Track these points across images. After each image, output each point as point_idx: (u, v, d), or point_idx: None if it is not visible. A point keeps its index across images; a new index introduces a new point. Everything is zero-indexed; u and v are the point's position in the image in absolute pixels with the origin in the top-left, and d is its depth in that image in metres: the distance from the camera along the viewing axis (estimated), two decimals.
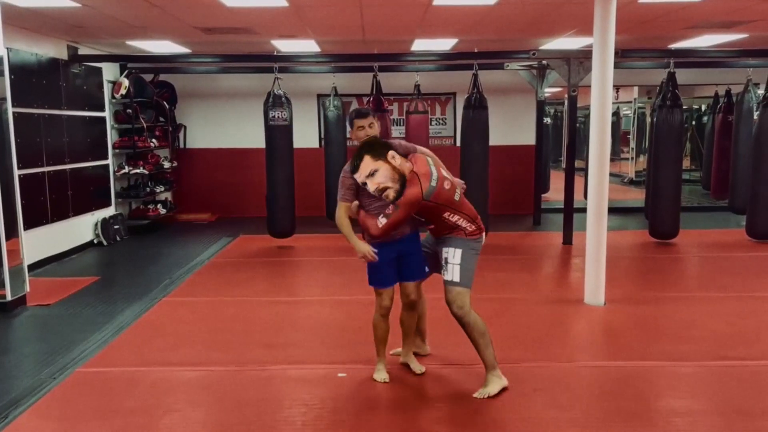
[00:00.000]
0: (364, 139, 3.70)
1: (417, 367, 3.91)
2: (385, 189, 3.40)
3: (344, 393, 3.66)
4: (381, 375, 3.79)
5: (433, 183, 3.39)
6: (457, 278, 3.56)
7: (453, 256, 3.55)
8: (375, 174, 3.38)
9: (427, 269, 3.79)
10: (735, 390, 3.63)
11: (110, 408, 3.47)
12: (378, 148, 3.45)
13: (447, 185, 3.45)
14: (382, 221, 3.47)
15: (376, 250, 3.62)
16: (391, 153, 3.42)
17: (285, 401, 3.61)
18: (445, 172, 3.52)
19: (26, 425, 3.31)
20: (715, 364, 3.98)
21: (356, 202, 3.66)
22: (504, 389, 3.57)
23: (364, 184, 3.44)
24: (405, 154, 3.56)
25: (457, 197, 3.51)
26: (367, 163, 3.39)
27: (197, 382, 3.83)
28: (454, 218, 3.52)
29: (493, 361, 3.60)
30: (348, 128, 3.89)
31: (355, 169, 3.45)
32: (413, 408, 3.44)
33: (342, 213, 3.66)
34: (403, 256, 3.70)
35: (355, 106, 9.98)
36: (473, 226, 3.57)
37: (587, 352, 4.39)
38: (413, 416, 3.35)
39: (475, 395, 3.54)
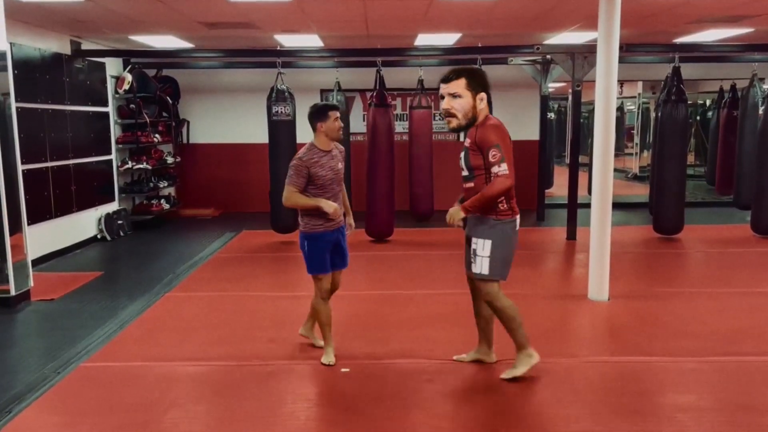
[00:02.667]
0: (339, 133, 3.85)
1: (319, 342, 4.13)
2: (452, 116, 3.41)
3: (347, 388, 3.65)
4: (329, 358, 3.94)
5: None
6: (486, 271, 3.51)
7: (483, 248, 3.49)
8: (457, 98, 3.38)
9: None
10: (739, 386, 3.62)
11: (113, 403, 3.47)
12: (479, 81, 3.43)
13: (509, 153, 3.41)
14: (501, 167, 3.30)
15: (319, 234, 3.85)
16: (482, 95, 3.41)
17: (288, 396, 3.61)
18: None
19: (30, 420, 3.32)
20: (719, 360, 3.97)
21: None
22: (533, 366, 3.64)
23: (442, 97, 3.44)
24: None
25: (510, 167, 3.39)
26: (460, 85, 3.39)
27: (200, 377, 3.83)
28: None
29: (523, 341, 3.63)
30: (316, 123, 3.87)
31: (446, 79, 3.43)
32: (416, 403, 3.43)
33: (290, 194, 3.80)
34: (337, 244, 3.95)
35: (358, 101, 9.98)
36: (506, 205, 3.49)
37: (591, 348, 4.38)
38: (415, 411, 3.34)
39: (501, 376, 3.63)
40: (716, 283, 5.91)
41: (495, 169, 3.32)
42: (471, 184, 3.51)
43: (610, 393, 3.56)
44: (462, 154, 3.54)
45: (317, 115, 3.86)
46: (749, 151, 8.16)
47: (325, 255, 3.90)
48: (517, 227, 3.61)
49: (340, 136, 3.90)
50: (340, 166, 3.93)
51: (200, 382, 3.78)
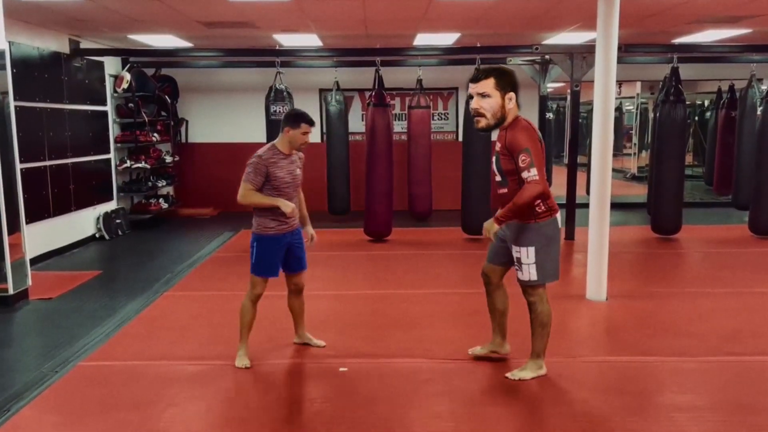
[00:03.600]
0: (301, 146, 3.85)
1: (317, 342, 4.18)
2: (481, 115, 3.40)
3: (346, 388, 3.65)
4: (243, 361, 3.88)
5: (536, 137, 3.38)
6: (534, 277, 3.52)
7: (527, 255, 3.48)
8: (486, 97, 3.37)
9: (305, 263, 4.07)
10: (738, 385, 3.62)
11: (111, 402, 3.47)
12: (507, 81, 3.41)
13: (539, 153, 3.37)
14: (531, 172, 3.26)
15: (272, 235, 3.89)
16: (511, 94, 3.41)
17: (286, 396, 3.60)
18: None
19: (28, 419, 3.32)
20: (717, 360, 3.98)
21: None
22: (539, 376, 3.66)
23: (471, 96, 3.43)
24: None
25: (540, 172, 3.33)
26: (488, 84, 3.38)
27: (198, 377, 3.83)
28: None
29: (541, 350, 3.66)
30: (285, 126, 3.85)
31: (475, 79, 3.42)
32: (414, 403, 3.43)
33: (246, 192, 3.81)
34: (291, 248, 3.93)
35: (357, 100, 9.97)
36: (543, 207, 3.46)
37: (589, 348, 4.38)
38: (413, 411, 3.34)
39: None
40: (714, 283, 5.91)
41: (525, 175, 3.29)
42: (505, 190, 3.49)
43: (608, 392, 3.56)
44: (494, 159, 3.53)
45: (290, 120, 3.84)
46: (747, 152, 8.17)
47: (273, 259, 3.88)
48: (559, 225, 3.61)
49: (300, 148, 3.92)
50: (299, 172, 3.94)
51: (198, 381, 3.78)
